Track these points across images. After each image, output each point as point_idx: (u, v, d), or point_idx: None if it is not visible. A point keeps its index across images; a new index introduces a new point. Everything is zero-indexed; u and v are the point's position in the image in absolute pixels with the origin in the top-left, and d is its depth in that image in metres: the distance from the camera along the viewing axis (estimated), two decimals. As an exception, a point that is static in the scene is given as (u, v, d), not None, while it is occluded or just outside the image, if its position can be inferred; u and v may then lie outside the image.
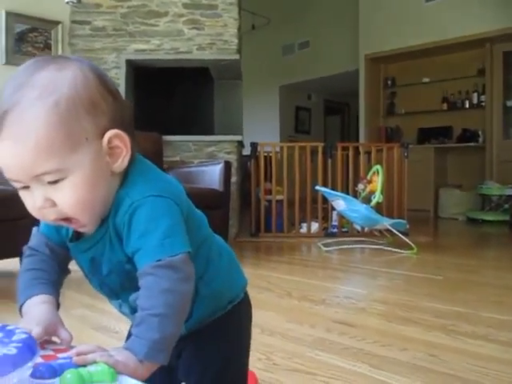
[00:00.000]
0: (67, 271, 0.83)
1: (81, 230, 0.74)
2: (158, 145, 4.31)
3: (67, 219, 0.70)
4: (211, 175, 3.89)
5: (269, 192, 5.02)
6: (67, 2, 4.59)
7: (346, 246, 4.22)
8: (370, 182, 4.21)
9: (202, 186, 3.75)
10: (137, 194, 0.70)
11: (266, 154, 5.12)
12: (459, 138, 7.33)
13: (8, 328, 0.58)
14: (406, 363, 1.67)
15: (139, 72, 4.84)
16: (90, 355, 0.62)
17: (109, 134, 0.68)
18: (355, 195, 4.43)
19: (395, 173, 5.03)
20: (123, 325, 2.05)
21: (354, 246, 4.28)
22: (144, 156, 0.78)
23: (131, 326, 0.75)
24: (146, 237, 0.68)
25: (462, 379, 1.54)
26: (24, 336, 0.55)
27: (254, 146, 4.98)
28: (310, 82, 9.39)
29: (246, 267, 3.54)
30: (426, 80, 7.69)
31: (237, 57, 4.68)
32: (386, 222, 4.07)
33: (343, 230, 4.98)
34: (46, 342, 0.69)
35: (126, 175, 0.73)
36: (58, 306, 0.75)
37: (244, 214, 5.31)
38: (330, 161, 5.00)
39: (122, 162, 0.70)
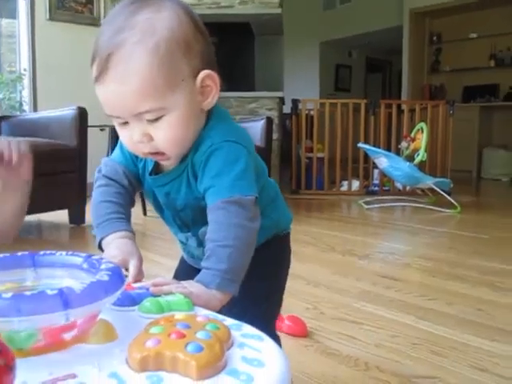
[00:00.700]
0: (133, 203, 0.86)
1: (164, 162, 0.78)
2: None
3: (157, 153, 0.74)
4: (253, 131, 3.88)
5: (309, 149, 4.99)
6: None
7: (387, 204, 4.19)
8: (413, 139, 4.12)
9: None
10: (217, 137, 0.74)
11: (307, 112, 5.07)
12: (506, 97, 7.06)
13: (94, 257, 0.60)
14: (453, 316, 1.67)
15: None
16: (165, 286, 0.65)
17: (202, 74, 0.72)
18: (398, 153, 4.36)
19: (439, 131, 4.91)
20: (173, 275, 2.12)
21: (395, 204, 4.24)
22: None
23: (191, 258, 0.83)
24: (219, 177, 0.72)
25: (510, 333, 1.54)
26: (111, 265, 0.57)
27: (295, 102, 4.93)
28: (351, 39, 9.13)
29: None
30: (473, 35, 7.37)
31: (278, 11, 4.58)
32: (429, 181, 4.01)
33: (384, 188, 4.93)
34: None
35: (208, 117, 0.76)
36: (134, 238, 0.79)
37: (284, 172, 5.30)
38: (372, 118, 4.91)
39: (211, 100, 0.74)
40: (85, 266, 0.61)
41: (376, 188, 4.93)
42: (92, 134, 3.43)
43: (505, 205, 4.57)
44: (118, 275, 0.56)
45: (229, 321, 0.61)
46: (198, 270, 0.89)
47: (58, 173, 3.14)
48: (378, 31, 8.56)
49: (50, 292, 0.48)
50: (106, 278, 0.53)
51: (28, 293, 0.48)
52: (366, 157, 4.76)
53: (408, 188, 4.76)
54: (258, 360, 0.48)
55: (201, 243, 0.81)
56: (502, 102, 7.08)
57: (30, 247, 2.39)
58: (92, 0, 4.65)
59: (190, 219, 0.81)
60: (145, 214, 3.59)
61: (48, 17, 4.44)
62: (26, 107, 4.53)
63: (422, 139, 3.98)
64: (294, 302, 1.71)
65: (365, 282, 2.03)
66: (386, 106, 4.98)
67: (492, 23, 7.08)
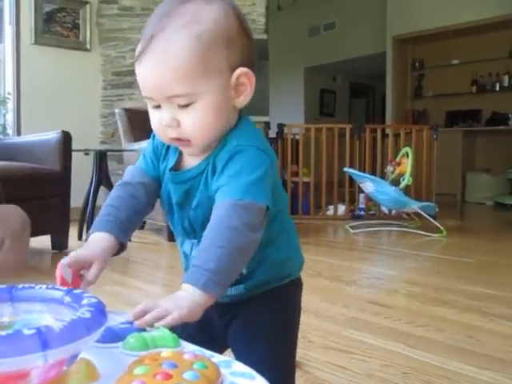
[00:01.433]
0: (153, 205, 0.85)
1: (186, 151, 0.78)
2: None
3: (182, 140, 0.75)
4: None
5: (295, 174, 5.00)
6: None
7: (373, 229, 4.19)
8: (399, 164, 4.15)
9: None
10: (244, 139, 0.75)
11: (292, 136, 5.09)
12: (488, 122, 7.18)
13: (75, 292, 0.57)
14: (442, 343, 1.65)
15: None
16: (147, 316, 0.62)
17: (239, 70, 0.73)
18: (383, 177, 4.38)
19: (424, 155, 4.95)
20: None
21: (381, 228, 4.24)
22: None
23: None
24: (236, 177, 0.71)
25: (499, 360, 1.52)
26: (94, 300, 0.54)
27: (280, 127, 4.95)
28: (335, 64, 9.26)
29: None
30: (455, 62, 7.52)
31: (264, 36, 4.64)
32: (414, 205, 4.02)
33: (370, 212, 4.94)
34: (76, 275, 0.72)
35: (238, 122, 0.77)
36: (118, 243, 0.77)
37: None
38: (357, 142, 4.94)
39: (244, 99, 0.75)
40: (65, 300, 0.58)
41: (362, 212, 4.94)
42: (76, 158, 3.39)
43: (489, 228, 4.61)
44: (100, 311, 0.53)
45: (217, 357, 0.58)
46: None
47: (41, 197, 3.09)
48: (362, 57, 8.70)
49: (27, 332, 0.45)
50: (87, 314, 0.50)
51: (3, 332, 0.45)
52: (352, 181, 4.77)
53: (394, 212, 4.77)
54: (249, 402, 0.46)
55: None
56: (484, 127, 7.19)
57: (15, 276, 2.31)
58: (78, 24, 4.66)
59: (199, 222, 0.78)
60: (129, 239, 3.54)
61: (33, 41, 4.43)
62: (9, 131, 4.48)
63: (408, 163, 4.00)
64: (281, 331, 1.68)
65: (353, 309, 2.01)
66: (371, 131, 5.02)
67: (473, 50, 7.24)
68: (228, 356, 0.72)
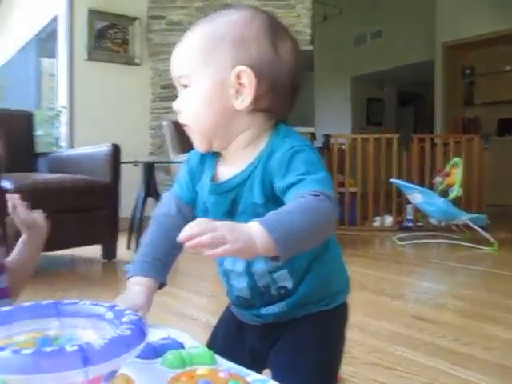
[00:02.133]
0: None
1: (199, 148, 0.81)
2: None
3: (186, 126, 0.80)
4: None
5: (341, 184, 4.96)
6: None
7: (421, 241, 4.10)
8: (448, 174, 4.05)
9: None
10: (296, 141, 0.76)
11: (338, 146, 5.05)
12: (544, 130, 6.92)
13: (117, 308, 0.60)
14: (489, 362, 1.60)
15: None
16: (202, 239, 0.58)
17: (239, 68, 0.74)
18: (431, 188, 4.29)
19: (475, 166, 4.82)
20: (201, 313, 2.10)
21: (429, 240, 4.15)
22: None
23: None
24: (306, 175, 0.71)
25: (553, 382, 1.46)
26: (134, 318, 0.56)
27: (326, 137, 4.93)
28: (382, 73, 9.14)
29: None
30: (508, 68, 7.30)
31: (310, 47, 4.65)
32: (464, 217, 3.91)
33: (418, 223, 4.84)
34: None
35: (276, 129, 0.79)
36: (159, 283, 0.81)
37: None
38: (405, 153, 4.86)
39: (241, 101, 0.75)
40: (108, 316, 0.60)
41: (410, 224, 4.84)
42: (125, 168, 3.49)
43: (545, 241, 4.41)
44: (140, 329, 0.55)
45: (253, 376, 0.59)
46: (241, 333, 0.89)
47: (92, 208, 3.19)
48: (410, 65, 8.56)
49: (69, 348, 0.48)
50: (127, 332, 0.52)
51: (48, 349, 0.48)
52: (399, 191, 4.69)
53: (443, 223, 4.66)
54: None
55: (248, 267, 0.80)
56: (539, 136, 6.93)
57: (64, 280, 2.41)
58: (128, 40, 4.81)
59: None
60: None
61: (86, 57, 4.60)
62: (62, 143, 4.66)
63: (457, 174, 3.90)
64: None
65: (397, 324, 1.97)
66: (419, 141, 4.93)
67: (526, 56, 7.00)
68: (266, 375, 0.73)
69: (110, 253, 3.27)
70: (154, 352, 0.62)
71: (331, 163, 4.90)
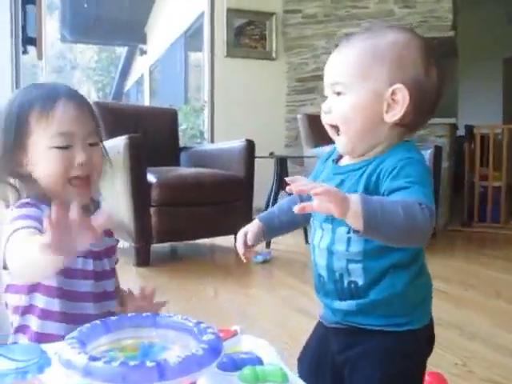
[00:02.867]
0: (306, 219, 0.98)
1: (336, 141, 0.89)
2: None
3: (332, 126, 0.88)
4: (419, 161, 3.74)
5: (484, 178, 4.63)
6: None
7: None
8: None
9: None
10: (416, 154, 0.83)
11: (483, 135, 4.71)
12: None
13: (202, 326, 0.66)
14: None
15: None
16: (307, 188, 0.71)
17: (397, 85, 0.82)
18: None
19: None
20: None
21: None
22: None
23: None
24: (415, 184, 0.78)
25: None
26: (212, 336, 0.62)
27: (469, 128, 4.63)
28: (542, 52, 8.27)
29: (454, 260, 3.36)
30: None
31: (451, 34, 4.38)
32: None
33: None
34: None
35: (404, 142, 0.87)
36: (265, 230, 1.00)
37: (456, 201, 4.99)
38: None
39: (392, 116, 0.83)
40: (194, 331, 0.67)
41: None
42: (261, 161, 3.64)
43: None
44: (214, 348, 0.61)
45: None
46: (325, 344, 0.92)
47: (228, 201, 3.38)
48: None
49: (149, 364, 0.55)
50: (200, 352, 0.59)
51: (132, 363, 0.56)
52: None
53: None
54: None
55: (330, 248, 0.87)
56: None
57: (201, 268, 2.58)
58: (265, 35, 4.94)
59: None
60: (307, 241, 3.66)
61: (225, 53, 4.83)
62: (206, 136, 4.97)
63: None
64: (441, 355, 1.61)
65: (530, 339, 1.83)
66: None
67: None
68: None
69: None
70: (234, 365, 0.68)
71: (473, 155, 4.60)
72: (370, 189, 0.82)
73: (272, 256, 3.12)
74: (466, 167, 4.66)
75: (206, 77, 4.95)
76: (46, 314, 0.92)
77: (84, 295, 0.95)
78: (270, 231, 1.00)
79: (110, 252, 1.03)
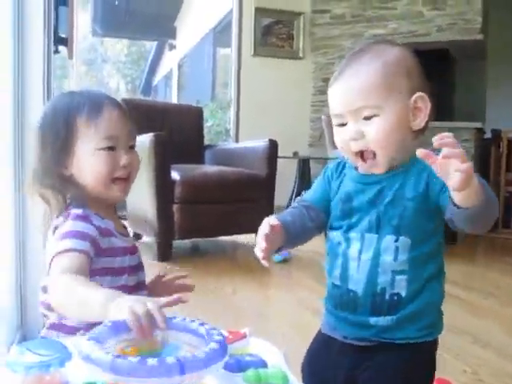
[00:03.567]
0: (318, 229, 0.98)
1: (371, 169, 0.90)
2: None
3: (366, 152, 0.88)
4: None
5: (510, 183, 4.58)
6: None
7: None
8: None
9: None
10: None
11: (511, 139, 4.64)
12: None
13: (209, 328, 0.71)
14: None
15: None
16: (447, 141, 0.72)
17: (417, 94, 0.87)
18: None
19: None
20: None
21: None
22: None
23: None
24: None
25: None
26: (219, 337, 0.67)
27: (495, 133, 4.59)
28: None
29: (474, 266, 3.34)
30: None
31: (480, 37, 4.34)
32: None
33: None
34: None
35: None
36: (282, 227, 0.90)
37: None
38: None
39: (419, 122, 0.88)
40: (200, 332, 0.72)
41: None
42: (283, 163, 3.67)
43: None
44: (221, 348, 0.65)
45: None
46: (329, 353, 0.95)
47: (250, 199, 3.43)
48: None
49: (170, 360, 0.60)
50: (202, 355, 0.62)
51: (152, 360, 0.60)
52: None
53: None
54: None
55: (375, 260, 0.88)
56: None
57: (220, 266, 2.61)
58: (292, 35, 4.97)
59: (388, 217, 0.88)
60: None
61: (252, 52, 4.87)
62: (231, 133, 5.03)
63: None
64: (450, 361, 1.63)
65: (544, 349, 1.83)
66: None
67: None
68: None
69: (263, 242, 3.47)
70: (239, 367, 0.73)
71: (500, 159, 4.55)
72: (421, 191, 0.86)
73: (292, 255, 3.16)
74: (492, 171, 4.61)
75: (232, 75, 5.00)
76: None
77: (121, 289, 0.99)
78: (286, 234, 0.92)
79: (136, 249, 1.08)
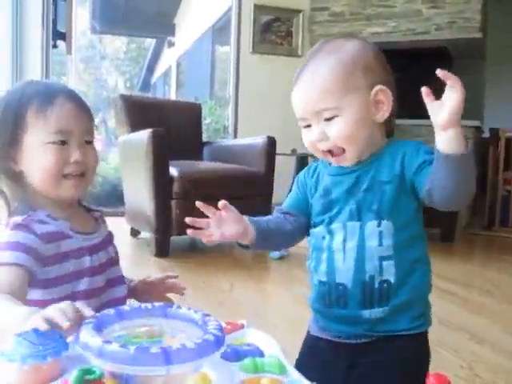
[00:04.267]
0: (300, 230, 0.99)
1: (341, 163, 0.91)
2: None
3: (334, 150, 0.89)
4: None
5: (508, 182, 4.59)
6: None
7: None
8: None
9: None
10: (415, 142, 0.90)
11: (509, 138, 4.65)
12: None
13: (207, 318, 0.72)
14: None
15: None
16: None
17: (377, 88, 0.88)
18: None
19: None
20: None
21: None
22: None
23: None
24: (428, 154, 0.84)
25: None
26: (215, 330, 0.67)
27: (494, 132, 4.59)
28: None
29: (472, 264, 3.35)
30: None
31: (479, 35, 4.33)
32: None
33: None
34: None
35: (395, 139, 0.94)
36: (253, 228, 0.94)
37: (478, 204, 4.95)
38: None
39: (382, 115, 0.89)
40: (200, 322, 0.73)
41: None
42: (282, 160, 3.67)
43: None
44: (217, 340, 0.66)
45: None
46: (321, 353, 0.95)
47: (247, 196, 3.42)
48: None
49: (154, 350, 0.61)
50: (192, 345, 0.63)
51: (135, 347, 0.61)
52: None
53: None
54: None
55: (361, 247, 0.88)
56: None
57: (218, 262, 2.62)
58: (291, 32, 4.96)
59: (367, 203, 0.89)
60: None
61: (251, 49, 4.86)
62: (230, 130, 5.02)
63: None
64: (447, 357, 1.63)
65: (539, 346, 1.84)
66: None
67: None
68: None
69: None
70: (237, 356, 0.73)
71: (498, 158, 4.56)
72: (397, 173, 0.87)
73: (289, 252, 3.16)
74: (490, 170, 4.61)
75: (231, 72, 4.99)
76: None
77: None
78: (257, 229, 0.93)
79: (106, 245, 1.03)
